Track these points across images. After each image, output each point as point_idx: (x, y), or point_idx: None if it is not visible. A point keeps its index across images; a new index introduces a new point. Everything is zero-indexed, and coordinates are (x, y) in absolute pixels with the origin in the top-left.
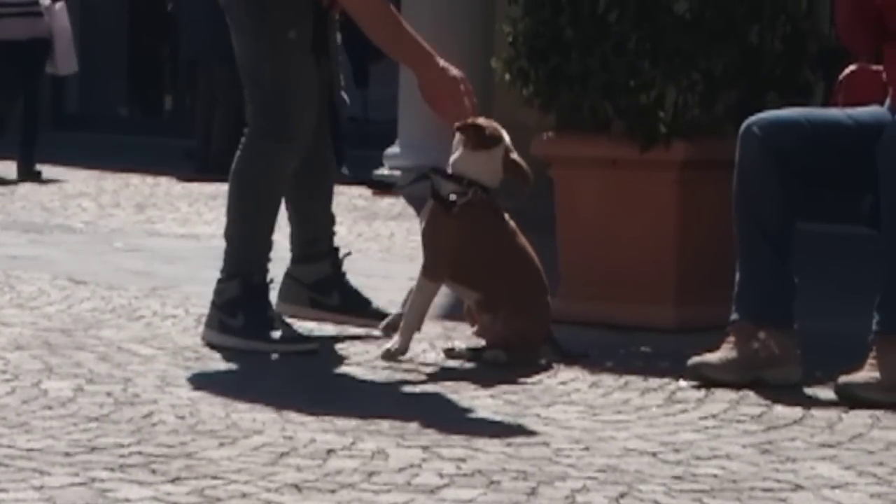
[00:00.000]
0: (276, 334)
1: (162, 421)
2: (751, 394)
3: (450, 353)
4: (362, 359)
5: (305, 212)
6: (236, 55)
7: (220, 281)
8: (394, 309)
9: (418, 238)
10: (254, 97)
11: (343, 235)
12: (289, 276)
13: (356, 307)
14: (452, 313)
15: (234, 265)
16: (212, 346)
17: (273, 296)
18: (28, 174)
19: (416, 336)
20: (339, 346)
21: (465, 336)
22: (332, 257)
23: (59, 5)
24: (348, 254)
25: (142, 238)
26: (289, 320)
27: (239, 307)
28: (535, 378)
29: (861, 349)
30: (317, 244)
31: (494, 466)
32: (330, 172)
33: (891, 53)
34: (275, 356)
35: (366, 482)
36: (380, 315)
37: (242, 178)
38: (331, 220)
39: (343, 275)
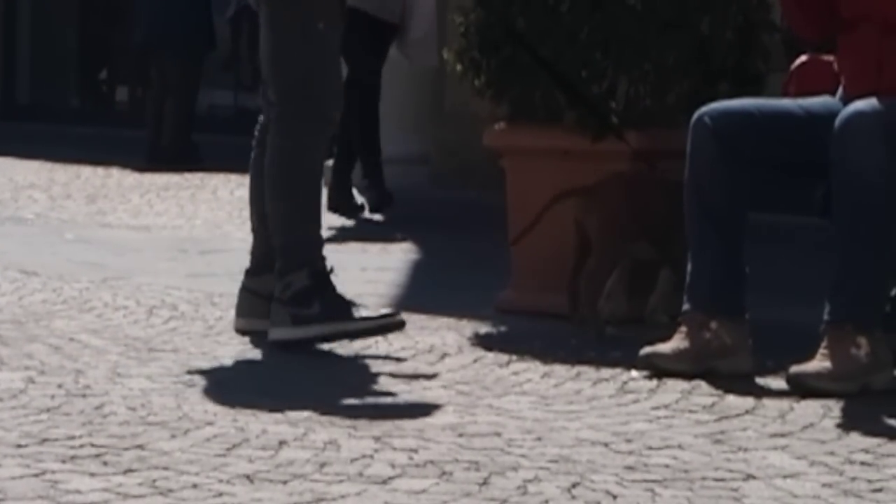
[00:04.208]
0: (359, 312)
1: (113, 412)
2: (702, 384)
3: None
4: (314, 349)
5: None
6: (263, 50)
7: (281, 275)
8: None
9: (370, 228)
10: (281, 86)
11: None
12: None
13: None
14: (411, 304)
15: (298, 256)
16: (286, 345)
17: None
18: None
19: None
20: None
21: (418, 327)
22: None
23: None
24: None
25: (93, 229)
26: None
27: (313, 295)
28: (487, 368)
29: (812, 339)
30: None
31: (446, 457)
32: None
33: (843, 44)
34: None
35: (318, 473)
36: None
37: (287, 167)
38: None
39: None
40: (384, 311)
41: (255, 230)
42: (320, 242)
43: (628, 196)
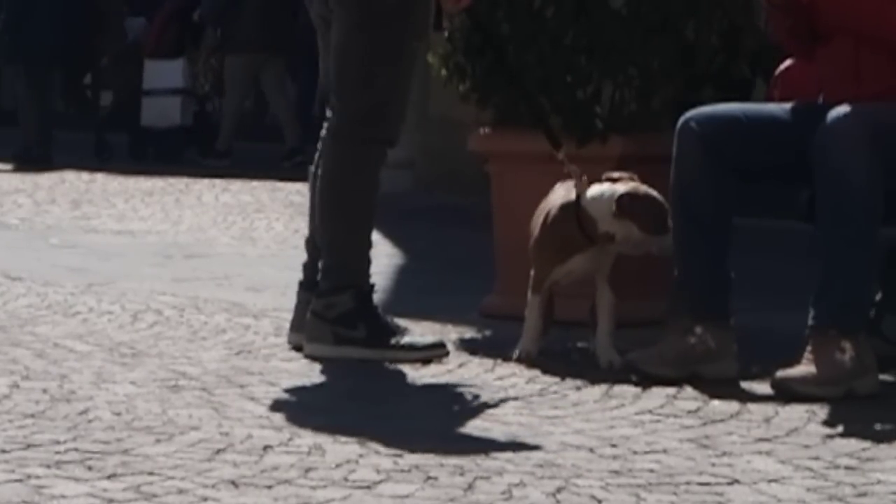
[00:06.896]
0: (401, 340)
1: (98, 417)
2: (687, 388)
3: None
4: (299, 354)
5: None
6: (341, 62)
7: (325, 294)
8: None
9: None
10: (359, 104)
11: (280, 231)
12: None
13: None
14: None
15: (345, 277)
16: (323, 359)
17: None
18: None
19: None
20: (276, 342)
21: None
22: None
23: None
24: None
25: (77, 234)
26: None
27: (358, 318)
28: (472, 373)
29: (797, 344)
30: None
31: (431, 461)
32: None
33: (822, 54)
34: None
35: (302, 478)
36: None
37: (346, 186)
38: None
39: None
40: (430, 340)
41: (309, 243)
42: (368, 265)
43: None
